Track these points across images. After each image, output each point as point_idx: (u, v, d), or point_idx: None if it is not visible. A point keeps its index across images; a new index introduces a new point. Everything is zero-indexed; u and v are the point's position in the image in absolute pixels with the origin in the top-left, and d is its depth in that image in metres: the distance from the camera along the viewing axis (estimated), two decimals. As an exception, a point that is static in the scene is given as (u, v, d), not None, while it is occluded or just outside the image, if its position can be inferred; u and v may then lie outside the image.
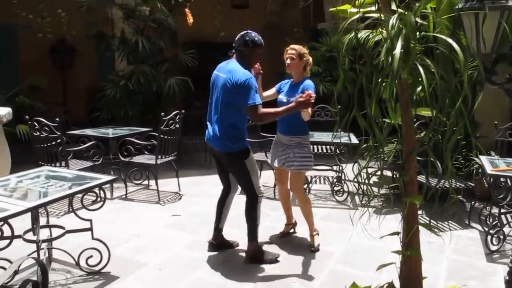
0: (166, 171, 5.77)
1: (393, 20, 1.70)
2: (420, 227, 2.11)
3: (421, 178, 4.18)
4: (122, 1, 6.86)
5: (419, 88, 2.05)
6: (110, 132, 5.82)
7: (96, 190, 3.23)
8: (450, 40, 1.67)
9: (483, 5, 1.76)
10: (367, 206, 2.09)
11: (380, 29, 2.08)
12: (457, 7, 1.86)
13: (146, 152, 5.47)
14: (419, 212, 3.53)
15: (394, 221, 2.64)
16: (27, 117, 4.74)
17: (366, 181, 2.01)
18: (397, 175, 4.43)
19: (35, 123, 4.63)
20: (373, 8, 2.06)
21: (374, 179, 2.14)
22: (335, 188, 5.34)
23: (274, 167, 4.05)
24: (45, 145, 4.65)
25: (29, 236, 3.09)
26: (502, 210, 4.07)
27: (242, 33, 3.44)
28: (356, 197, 5.25)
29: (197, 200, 5.24)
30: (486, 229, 4.01)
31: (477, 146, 4.01)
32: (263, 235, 3.81)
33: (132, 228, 4.28)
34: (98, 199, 3.27)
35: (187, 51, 7.33)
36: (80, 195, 3.28)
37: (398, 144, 2.05)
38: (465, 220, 4.49)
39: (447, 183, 2.03)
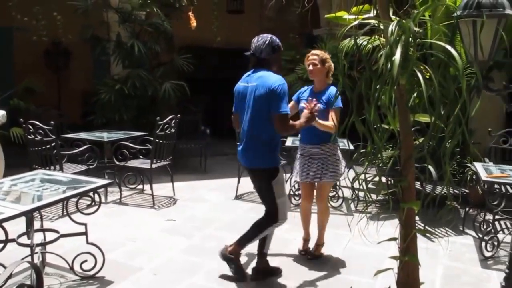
0: (161, 175, 5.75)
1: (392, 26, 1.72)
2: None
3: (417, 184, 4.20)
4: (118, 5, 6.86)
5: (414, 95, 2.07)
6: (105, 136, 5.79)
7: (91, 194, 3.21)
8: (449, 47, 1.69)
9: (481, 13, 1.78)
10: (364, 212, 2.10)
11: (377, 36, 2.10)
12: (455, 14, 1.88)
13: (141, 157, 5.45)
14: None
15: (390, 227, 2.64)
16: (21, 120, 4.71)
17: (363, 187, 2.02)
18: (392, 181, 4.46)
19: (30, 126, 4.60)
20: (371, 15, 2.07)
21: (369, 185, 2.15)
22: (330, 194, 5.34)
23: (303, 182, 3.75)
24: (40, 148, 4.62)
25: (23, 240, 3.06)
26: (496, 217, 4.10)
27: (264, 40, 3.12)
28: (351, 203, 5.28)
29: (192, 204, 5.22)
30: (480, 236, 4.03)
31: (475, 152, 4.04)
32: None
33: (126, 232, 4.26)
34: (93, 203, 3.24)
35: (183, 55, 7.33)
36: (75, 199, 3.26)
37: (396, 150, 2.05)
38: (459, 226, 4.51)
39: (443, 189, 2.04)
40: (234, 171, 5.60)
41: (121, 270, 3.43)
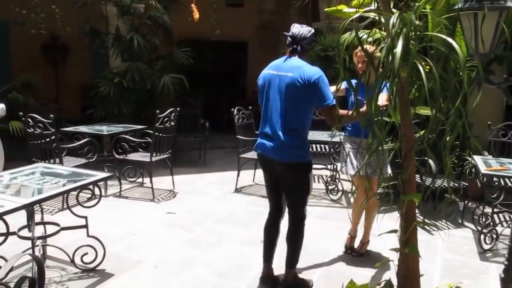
0: (160, 168, 5.76)
1: (394, 19, 1.71)
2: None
3: (416, 178, 4.22)
4: (117, -2, 6.82)
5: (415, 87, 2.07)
6: (104, 129, 5.78)
7: (91, 187, 3.21)
8: (450, 40, 1.69)
9: (482, 5, 1.78)
10: (364, 205, 2.11)
11: (377, 29, 2.10)
12: (456, 7, 1.87)
13: (140, 150, 5.45)
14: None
15: (390, 220, 2.65)
16: (21, 113, 4.70)
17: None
18: (391, 173, 4.46)
19: (29, 120, 4.60)
20: (372, 8, 2.07)
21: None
22: (330, 187, 5.37)
23: (358, 177, 3.56)
24: (39, 141, 4.62)
25: (24, 233, 3.07)
26: (495, 210, 4.12)
27: (309, 30, 2.99)
28: (352, 196, 5.30)
29: (192, 198, 5.23)
30: (479, 228, 4.05)
31: (475, 145, 4.04)
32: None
33: (127, 225, 4.27)
34: (93, 196, 3.25)
35: (182, 48, 7.31)
36: (75, 192, 3.26)
37: (397, 143, 2.06)
38: (458, 219, 4.53)
39: (443, 182, 2.05)
40: (234, 165, 5.60)
41: (121, 263, 3.44)
